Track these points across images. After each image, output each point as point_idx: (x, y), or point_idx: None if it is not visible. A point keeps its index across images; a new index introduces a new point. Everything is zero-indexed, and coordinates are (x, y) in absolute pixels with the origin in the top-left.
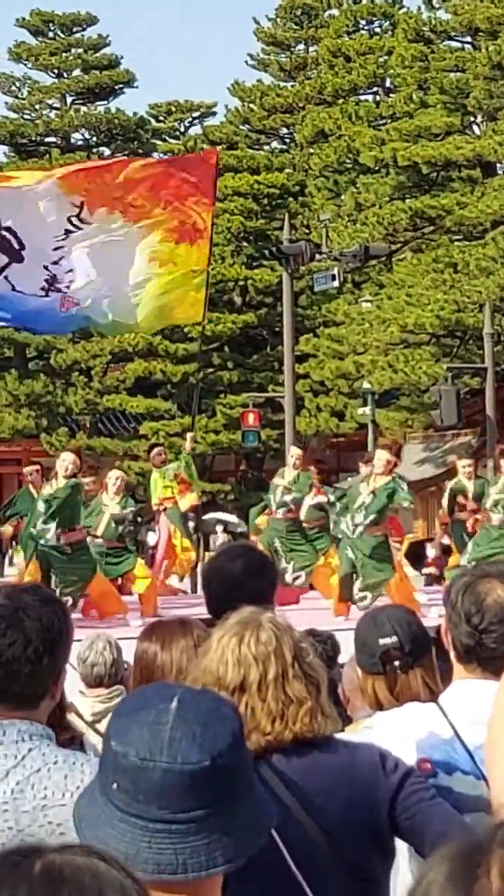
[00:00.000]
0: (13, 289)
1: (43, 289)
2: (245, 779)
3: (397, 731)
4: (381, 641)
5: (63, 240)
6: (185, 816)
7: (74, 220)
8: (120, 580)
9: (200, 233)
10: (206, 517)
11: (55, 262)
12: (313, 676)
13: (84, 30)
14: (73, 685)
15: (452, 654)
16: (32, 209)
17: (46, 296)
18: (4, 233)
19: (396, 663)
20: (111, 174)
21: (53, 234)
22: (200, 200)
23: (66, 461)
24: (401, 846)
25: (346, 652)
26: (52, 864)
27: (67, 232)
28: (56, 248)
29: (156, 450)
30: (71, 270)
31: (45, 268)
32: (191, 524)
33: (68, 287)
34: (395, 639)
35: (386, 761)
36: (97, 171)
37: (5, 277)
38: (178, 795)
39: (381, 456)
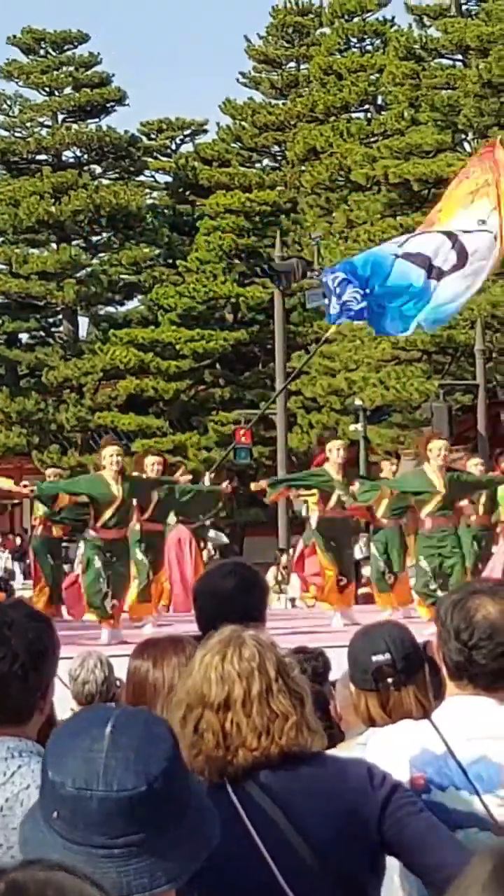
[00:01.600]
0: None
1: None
2: (183, 797)
3: (391, 748)
4: (374, 658)
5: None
6: (126, 841)
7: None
8: None
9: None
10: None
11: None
12: (297, 691)
13: (75, 48)
14: (64, 703)
15: (444, 671)
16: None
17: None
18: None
19: (389, 680)
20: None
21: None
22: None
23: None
24: (392, 862)
25: (338, 668)
26: (16, 882)
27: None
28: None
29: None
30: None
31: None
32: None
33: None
34: (388, 656)
35: (374, 776)
36: None
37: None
38: (118, 822)
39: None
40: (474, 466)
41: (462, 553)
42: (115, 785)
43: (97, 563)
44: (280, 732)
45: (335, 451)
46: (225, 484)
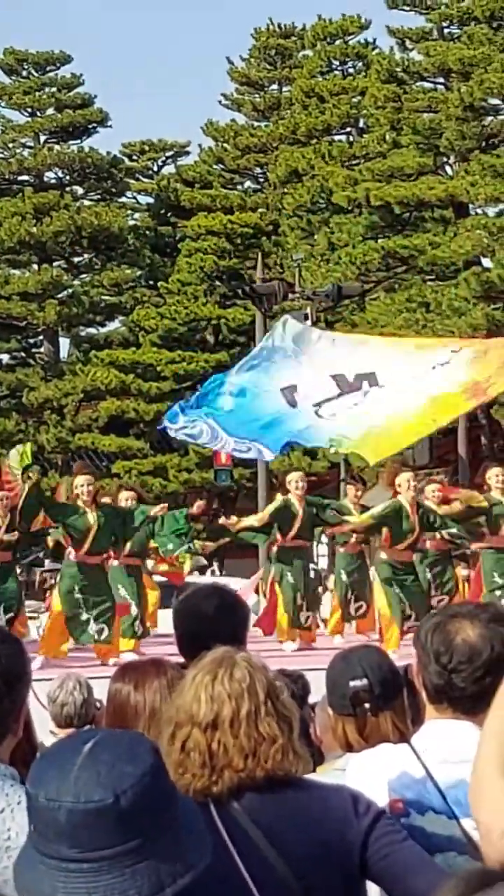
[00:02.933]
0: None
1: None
2: (161, 817)
3: (369, 772)
4: (352, 684)
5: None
6: (95, 855)
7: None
8: None
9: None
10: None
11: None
12: (286, 715)
13: (58, 69)
14: (43, 725)
15: (423, 695)
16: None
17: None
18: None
19: (366, 706)
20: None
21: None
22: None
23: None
24: (372, 888)
25: (318, 692)
26: None
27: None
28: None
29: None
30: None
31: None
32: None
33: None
34: (365, 681)
35: (358, 803)
36: None
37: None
38: (86, 834)
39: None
40: (431, 493)
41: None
42: (82, 796)
43: (76, 594)
44: (266, 755)
45: (294, 483)
46: (197, 504)
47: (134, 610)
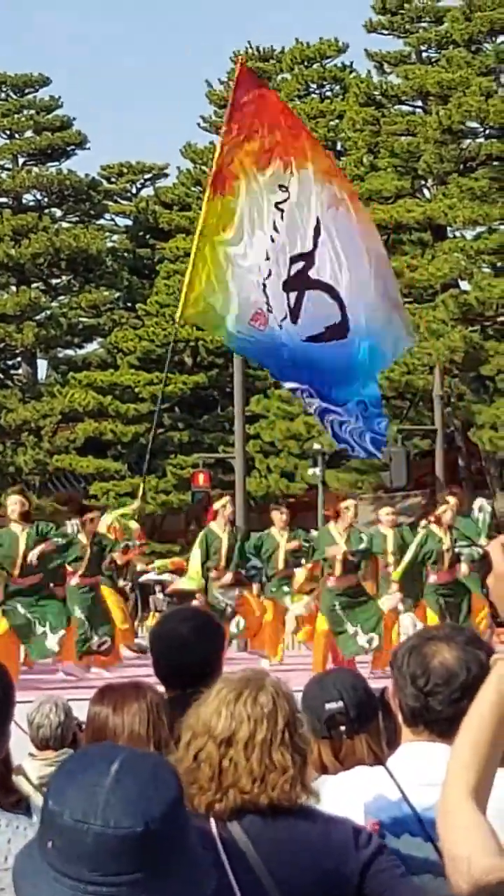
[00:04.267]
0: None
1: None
2: (181, 845)
3: (345, 795)
4: (327, 706)
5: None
6: (116, 880)
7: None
8: None
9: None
10: (144, 578)
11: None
12: (301, 747)
13: (36, 91)
14: (23, 747)
15: (400, 717)
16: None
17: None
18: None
19: (342, 728)
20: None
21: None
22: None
23: None
24: None
25: None
26: None
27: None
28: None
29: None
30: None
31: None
32: (126, 583)
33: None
34: (340, 704)
35: (359, 836)
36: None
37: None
38: (110, 859)
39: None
40: (385, 515)
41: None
42: (112, 821)
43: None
44: (274, 784)
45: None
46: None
47: (81, 628)
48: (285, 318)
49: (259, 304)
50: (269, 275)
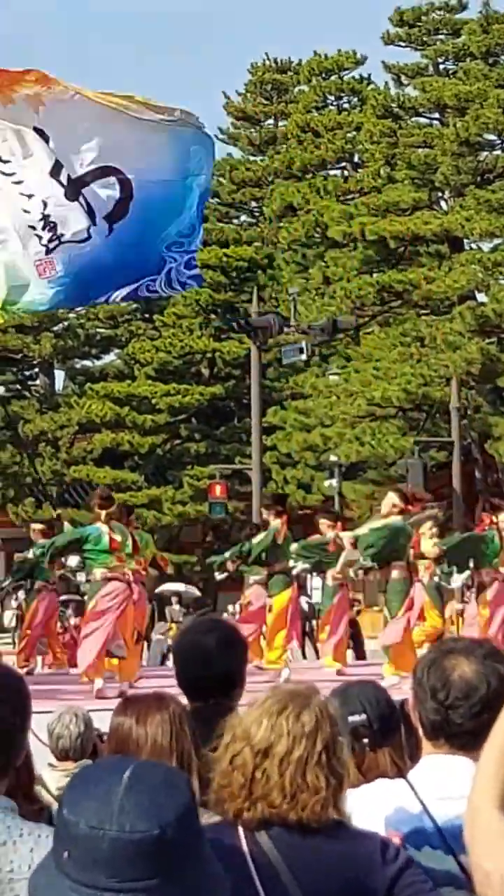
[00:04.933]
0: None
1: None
2: (195, 850)
3: (366, 807)
4: (350, 719)
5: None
6: (133, 885)
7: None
8: None
9: None
10: (161, 588)
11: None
12: (338, 771)
13: None
14: (42, 758)
15: (420, 731)
16: None
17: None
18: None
19: (365, 741)
20: None
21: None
22: None
23: None
24: None
25: None
26: None
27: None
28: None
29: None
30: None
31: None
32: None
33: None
34: (363, 717)
35: (387, 851)
36: None
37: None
38: (127, 864)
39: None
40: (427, 529)
41: None
42: (127, 826)
43: None
44: (304, 804)
45: None
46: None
47: None
48: (89, 227)
49: (38, 254)
50: (45, 206)
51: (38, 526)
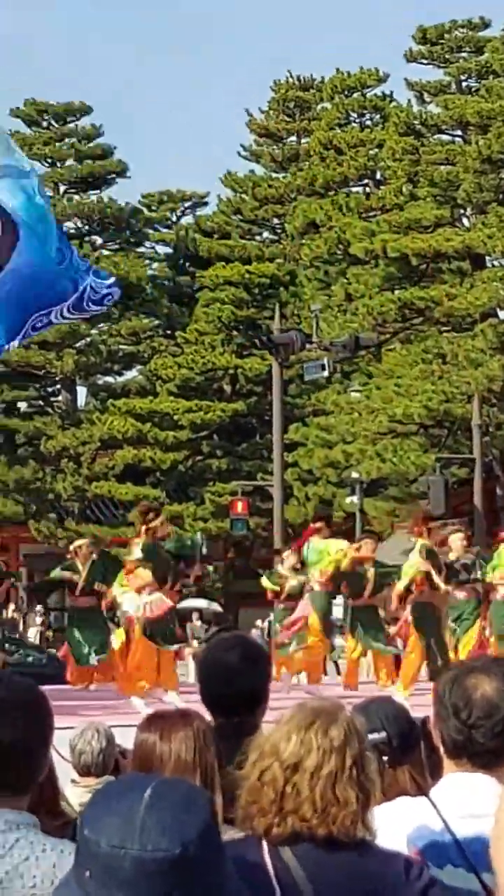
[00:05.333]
0: None
1: None
2: (216, 868)
3: (388, 825)
4: (370, 736)
5: None
6: None
7: None
8: None
9: None
10: (181, 604)
11: None
12: (366, 787)
13: (78, 119)
14: (64, 773)
15: (442, 749)
16: None
17: None
18: None
19: (384, 758)
20: None
21: None
22: None
23: None
24: None
25: None
26: None
27: None
28: None
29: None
30: None
31: None
32: None
33: None
34: (383, 734)
35: (411, 870)
36: None
37: None
38: (149, 883)
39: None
40: (457, 540)
41: None
42: (149, 845)
43: None
44: (335, 818)
45: None
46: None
47: None
48: None
49: None
50: None
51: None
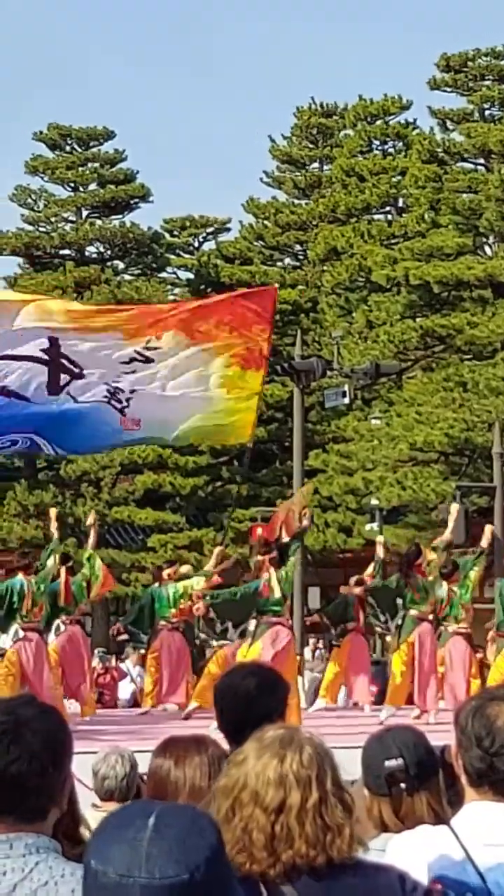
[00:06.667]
0: (74, 400)
1: (105, 398)
2: (224, 892)
3: (409, 853)
4: (387, 763)
5: (127, 365)
6: None
7: (142, 350)
8: None
9: (264, 359)
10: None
11: (117, 380)
12: (348, 802)
13: (101, 144)
14: (85, 798)
15: (463, 778)
16: (94, 348)
17: (108, 403)
18: (63, 360)
19: (402, 786)
20: (176, 311)
21: (119, 362)
22: (263, 329)
23: None
24: None
25: (355, 771)
26: None
27: (133, 360)
28: (121, 374)
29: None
30: (134, 391)
31: (108, 384)
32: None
33: (127, 406)
34: (400, 761)
35: (405, 883)
36: (159, 316)
37: (67, 392)
38: None
39: None
40: None
41: None
42: (157, 872)
43: None
44: (332, 844)
45: None
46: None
47: None
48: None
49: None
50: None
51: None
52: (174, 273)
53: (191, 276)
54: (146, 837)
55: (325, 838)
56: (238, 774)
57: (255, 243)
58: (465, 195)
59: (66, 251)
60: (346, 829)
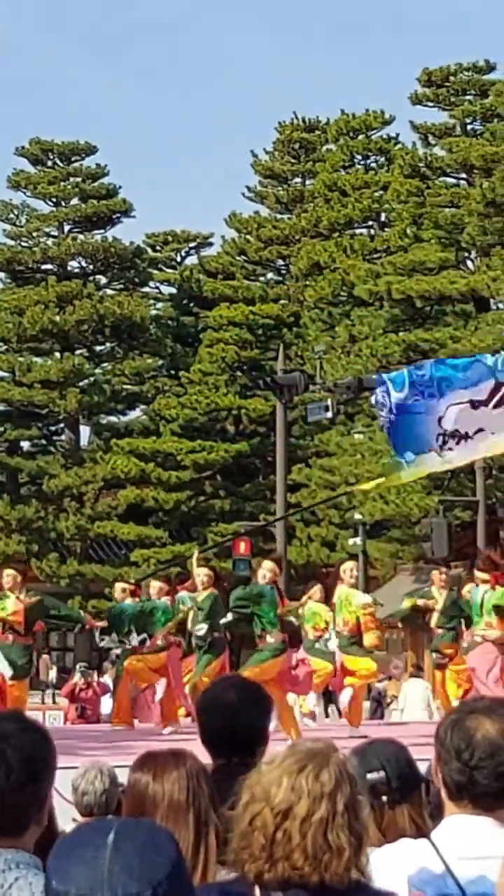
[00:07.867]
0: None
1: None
2: None
3: (389, 866)
4: (369, 776)
5: None
6: None
7: None
8: None
9: None
10: None
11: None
12: (358, 831)
13: (83, 159)
14: (66, 814)
15: (443, 791)
16: None
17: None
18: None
19: (383, 798)
20: None
21: None
22: None
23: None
24: None
25: None
26: None
27: None
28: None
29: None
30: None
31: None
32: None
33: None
34: (382, 774)
35: None
36: None
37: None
38: None
39: None
40: (437, 575)
41: None
42: (119, 890)
43: None
44: (328, 865)
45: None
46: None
47: None
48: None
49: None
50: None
51: (124, 585)
52: (157, 288)
53: (173, 290)
54: (106, 855)
55: (322, 857)
56: (262, 771)
57: (238, 258)
58: (447, 210)
59: (48, 266)
60: (345, 853)
